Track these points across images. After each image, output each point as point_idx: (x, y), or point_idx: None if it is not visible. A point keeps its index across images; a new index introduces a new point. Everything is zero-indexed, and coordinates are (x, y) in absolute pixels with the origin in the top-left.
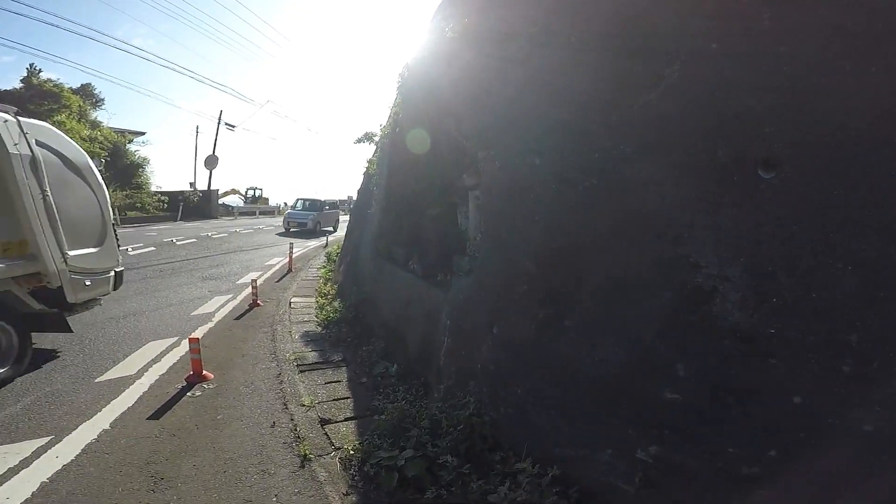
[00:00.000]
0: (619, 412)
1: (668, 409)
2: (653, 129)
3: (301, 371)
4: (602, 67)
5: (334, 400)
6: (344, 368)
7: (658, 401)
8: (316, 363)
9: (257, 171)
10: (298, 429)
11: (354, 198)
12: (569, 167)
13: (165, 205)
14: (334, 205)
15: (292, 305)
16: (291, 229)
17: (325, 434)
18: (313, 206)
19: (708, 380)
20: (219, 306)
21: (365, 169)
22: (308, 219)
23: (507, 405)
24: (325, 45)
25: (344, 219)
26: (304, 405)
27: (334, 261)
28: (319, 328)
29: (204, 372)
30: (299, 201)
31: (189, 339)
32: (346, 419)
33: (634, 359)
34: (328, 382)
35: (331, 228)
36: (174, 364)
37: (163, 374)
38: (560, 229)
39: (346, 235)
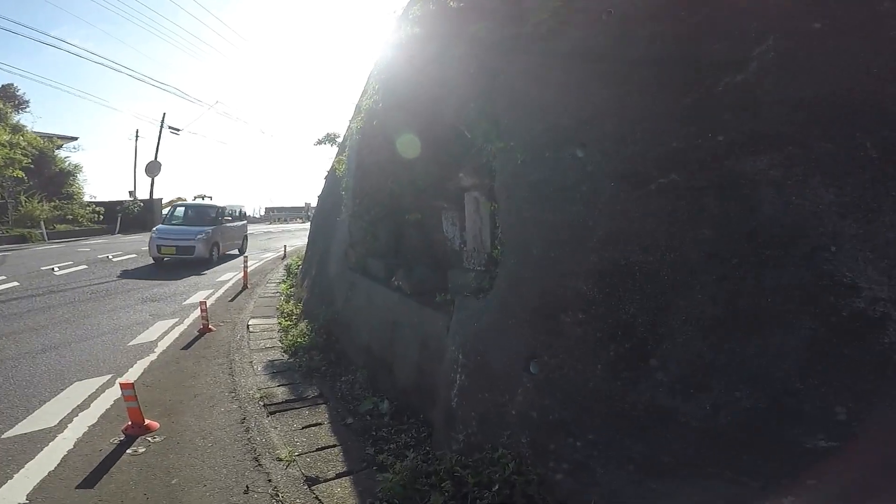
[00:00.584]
0: (741, 466)
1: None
2: (747, 117)
3: (271, 413)
4: (663, 40)
5: (318, 450)
6: (323, 406)
7: (802, 450)
8: (288, 401)
9: (206, 178)
10: (280, 494)
11: (314, 204)
12: (631, 160)
13: (101, 216)
14: (239, 213)
15: (251, 329)
16: (165, 258)
17: (317, 499)
18: (202, 216)
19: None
20: (162, 333)
21: (326, 173)
22: (195, 238)
23: (562, 460)
24: (280, 41)
25: (296, 228)
26: (281, 459)
27: (295, 274)
28: (286, 356)
29: (147, 421)
30: (179, 209)
31: (120, 384)
32: (337, 475)
33: (765, 403)
34: (307, 426)
35: (236, 251)
36: (108, 410)
37: (93, 425)
38: (628, 241)
39: (307, 245)
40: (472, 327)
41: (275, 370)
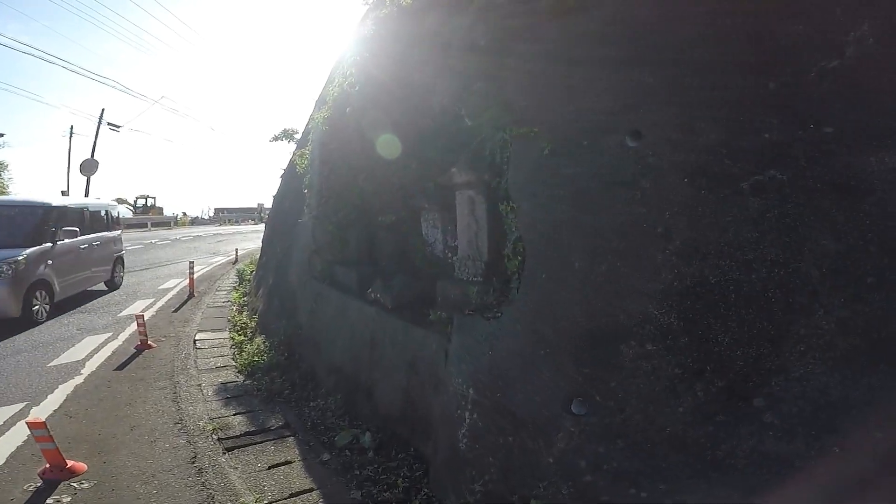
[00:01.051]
0: None
1: None
2: (852, 107)
3: (228, 449)
4: (723, 17)
5: (293, 496)
6: (291, 439)
7: None
8: (248, 434)
9: (150, 178)
10: None
11: (267, 205)
12: (708, 152)
13: None
14: (107, 219)
15: (198, 345)
16: None
17: None
18: (10, 226)
19: None
20: (92, 350)
21: (283, 171)
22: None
23: None
24: (233, 35)
25: (248, 230)
26: None
27: (248, 280)
28: (241, 377)
29: (70, 462)
30: None
31: (28, 423)
32: None
33: None
34: (275, 465)
35: (101, 286)
36: (20, 447)
37: (1, 467)
38: (720, 253)
39: (262, 249)
40: (486, 356)
41: (229, 395)
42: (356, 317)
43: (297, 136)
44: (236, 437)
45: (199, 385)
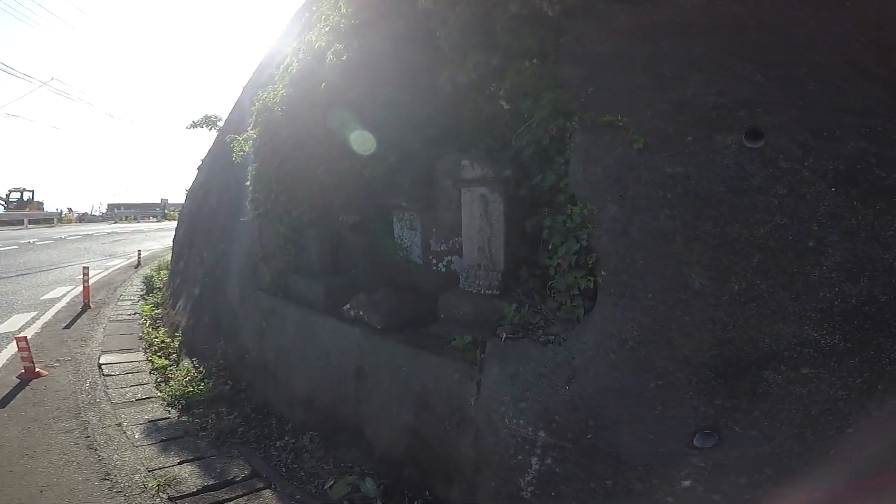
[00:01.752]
0: None
1: None
2: None
3: None
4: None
5: None
6: (268, 493)
7: None
8: (207, 490)
9: (30, 169)
10: None
11: (173, 201)
12: (857, 160)
13: None
14: None
15: (106, 370)
16: None
17: None
18: None
19: None
20: None
21: (200, 163)
22: None
23: None
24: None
25: (151, 228)
26: None
27: (160, 289)
28: (173, 412)
29: None
30: None
31: None
32: None
33: None
34: None
35: None
36: None
37: None
38: (889, 270)
39: (174, 253)
40: (561, 392)
41: (164, 436)
42: (329, 339)
43: (220, 123)
44: (193, 494)
45: (120, 424)
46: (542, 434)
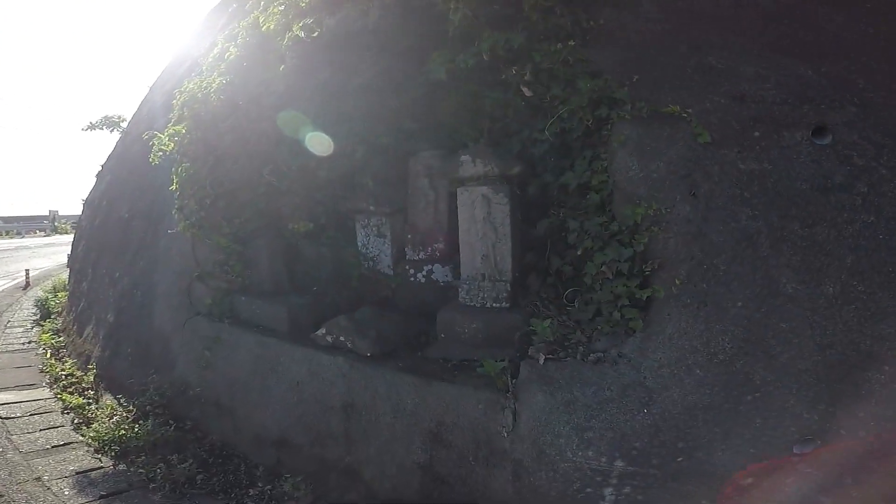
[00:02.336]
0: None
1: None
2: None
3: None
4: None
5: None
6: None
7: None
8: None
9: None
10: None
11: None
12: None
13: None
14: None
15: (2, 412)
16: None
17: None
18: None
19: None
20: None
21: (100, 168)
22: None
23: None
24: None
25: (38, 244)
26: None
27: (59, 313)
28: (106, 459)
29: None
30: None
31: None
32: None
33: None
34: None
35: None
36: None
37: None
38: None
39: (72, 272)
40: (638, 415)
41: (103, 490)
42: (301, 371)
43: (124, 125)
44: None
45: (39, 479)
46: (619, 463)
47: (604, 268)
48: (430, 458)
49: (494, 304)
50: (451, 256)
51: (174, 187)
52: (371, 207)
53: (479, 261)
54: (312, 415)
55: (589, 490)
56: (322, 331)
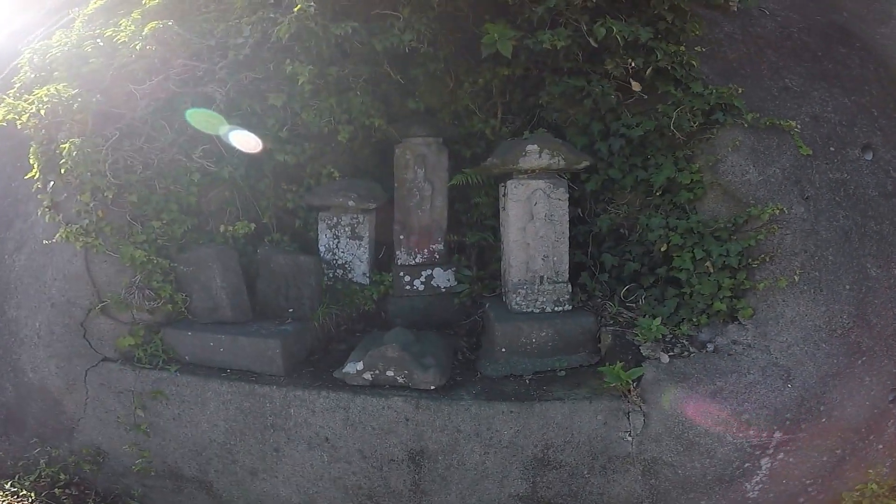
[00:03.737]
0: None
1: None
2: None
3: None
4: None
5: None
6: None
7: None
8: None
9: None
10: None
11: None
12: None
13: None
14: None
15: None
16: None
17: None
18: None
19: None
20: None
21: None
22: None
23: None
24: None
25: None
26: None
27: None
28: None
29: None
30: None
31: None
32: None
33: None
34: None
35: None
36: None
37: None
38: None
39: None
40: (785, 390)
41: None
42: (334, 422)
43: None
44: None
45: None
46: (777, 434)
47: (708, 263)
48: (533, 486)
49: (556, 308)
50: (450, 258)
51: (35, 175)
52: (350, 203)
53: (538, 262)
54: (359, 474)
55: (747, 465)
56: (357, 366)
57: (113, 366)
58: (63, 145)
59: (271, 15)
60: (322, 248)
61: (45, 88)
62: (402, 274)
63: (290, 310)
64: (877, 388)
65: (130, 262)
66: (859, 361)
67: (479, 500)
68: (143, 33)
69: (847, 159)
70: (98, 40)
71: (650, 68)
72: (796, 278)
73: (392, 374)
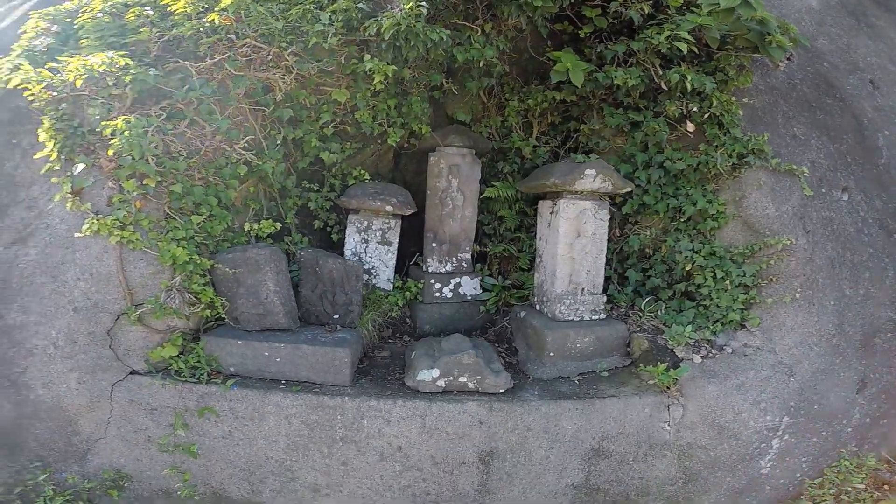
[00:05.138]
0: None
1: None
2: None
3: None
4: None
5: None
6: None
7: None
8: None
9: None
10: None
11: None
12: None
13: None
14: None
15: None
16: None
17: None
18: None
19: None
20: None
21: None
22: None
23: None
24: None
25: None
26: None
27: None
28: None
29: None
30: None
31: None
32: None
33: None
34: None
35: None
36: None
37: None
38: None
39: None
40: (789, 383)
41: None
42: (410, 431)
43: None
44: None
45: None
46: (785, 419)
47: (727, 281)
48: (587, 475)
49: (593, 317)
50: (474, 267)
51: (52, 155)
52: (388, 207)
53: (582, 275)
54: (429, 480)
55: (763, 445)
56: (432, 373)
57: (143, 379)
58: (106, 123)
59: (361, 6)
60: (348, 252)
61: (77, 58)
62: (432, 281)
63: (336, 316)
64: (849, 382)
65: (171, 262)
66: (838, 360)
67: (539, 493)
68: (222, 4)
69: (832, 199)
70: (146, 8)
71: (707, 115)
72: (797, 295)
73: (465, 379)
